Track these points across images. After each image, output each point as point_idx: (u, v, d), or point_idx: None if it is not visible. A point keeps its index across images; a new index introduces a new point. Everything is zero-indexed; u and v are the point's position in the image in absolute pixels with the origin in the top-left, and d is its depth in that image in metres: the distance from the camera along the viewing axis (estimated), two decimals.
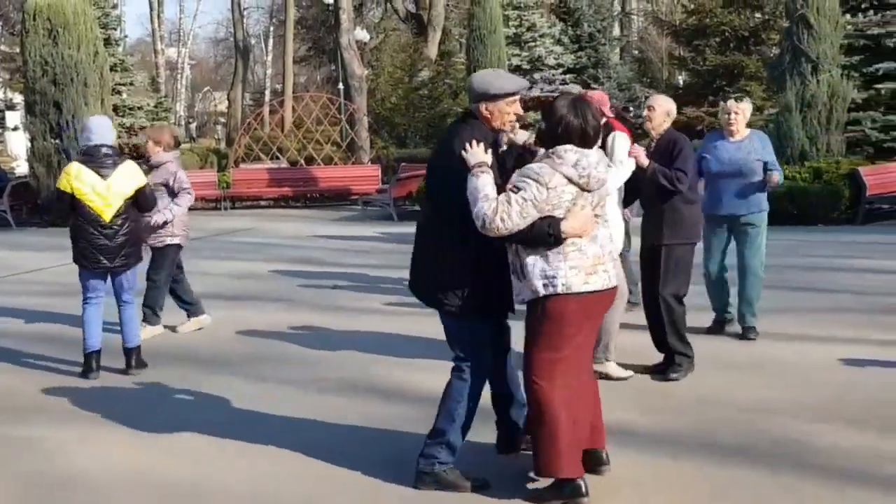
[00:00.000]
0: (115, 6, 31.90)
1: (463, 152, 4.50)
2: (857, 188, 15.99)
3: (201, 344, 8.20)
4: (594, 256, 4.42)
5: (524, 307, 4.58)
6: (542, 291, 4.38)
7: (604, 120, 7.22)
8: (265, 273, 12.17)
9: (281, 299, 10.22)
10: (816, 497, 4.55)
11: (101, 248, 7.12)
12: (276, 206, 23.59)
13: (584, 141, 4.43)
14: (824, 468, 4.89)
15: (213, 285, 11.10)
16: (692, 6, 34.28)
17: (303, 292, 10.62)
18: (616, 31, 42.25)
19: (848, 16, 19.23)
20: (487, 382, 4.90)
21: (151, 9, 51.26)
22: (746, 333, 7.74)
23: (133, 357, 7.32)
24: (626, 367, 6.71)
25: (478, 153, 4.46)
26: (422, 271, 4.79)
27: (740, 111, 7.75)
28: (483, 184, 4.36)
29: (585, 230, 4.39)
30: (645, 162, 6.63)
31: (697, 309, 7.63)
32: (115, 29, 29.08)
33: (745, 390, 6.31)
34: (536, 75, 27.30)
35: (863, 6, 19.82)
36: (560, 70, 28.08)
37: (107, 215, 7.10)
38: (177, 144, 8.69)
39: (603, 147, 6.20)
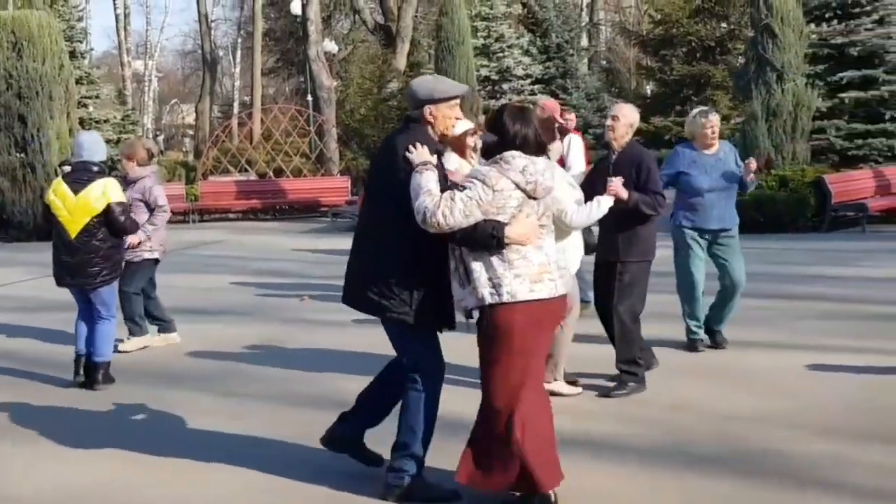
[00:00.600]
0: (80, 19, 31.72)
1: (407, 153, 4.52)
2: (823, 196, 16.13)
3: (167, 358, 8.12)
4: (539, 265, 4.40)
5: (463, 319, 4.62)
6: (487, 299, 4.37)
7: (556, 125, 7.59)
8: (233, 286, 12.09)
9: (249, 312, 10.16)
10: None
11: (62, 264, 7.10)
12: (245, 219, 23.49)
13: (538, 150, 4.48)
14: (796, 476, 4.89)
15: (181, 298, 11.00)
16: (659, 17, 34.55)
17: (271, 305, 10.56)
18: (584, 42, 42.42)
19: (812, 25, 19.42)
20: None
21: (118, 21, 50.93)
22: (719, 341, 7.75)
23: (99, 372, 7.21)
24: (591, 376, 6.71)
25: (422, 153, 4.50)
26: (361, 280, 4.74)
27: (718, 124, 7.68)
28: (426, 179, 4.40)
29: (529, 238, 4.39)
30: (625, 195, 6.33)
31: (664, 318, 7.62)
32: (81, 41, 28.85)
33: (717, 399, 6.32)
34: (505, 86, 27.38)
35: (826, 16, 20.01)
36: (528, 80, 28.16)
37: (72, 231, 7.04)
38: (150, 157, 8.60)
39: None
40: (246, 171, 26.35)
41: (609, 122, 6.68)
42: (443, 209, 4.30)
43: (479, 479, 4.50)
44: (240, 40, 54.34)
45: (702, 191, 7.51)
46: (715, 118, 7.64)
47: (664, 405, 6.23)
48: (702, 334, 7.73)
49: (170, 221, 8.89)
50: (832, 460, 5.08)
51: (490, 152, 4.53)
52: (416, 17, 33.62)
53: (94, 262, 7.08)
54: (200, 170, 26.20)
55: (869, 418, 5.78)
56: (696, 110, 7.85)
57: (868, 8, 19.69)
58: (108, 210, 7.06)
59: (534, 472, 4.38)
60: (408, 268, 4.56)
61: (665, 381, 6.75)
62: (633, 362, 6.57)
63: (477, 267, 4.39)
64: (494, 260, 4.37)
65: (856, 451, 5.19)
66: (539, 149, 4.49)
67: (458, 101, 4.78)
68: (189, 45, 64.51)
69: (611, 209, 6.22)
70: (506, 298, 4.35)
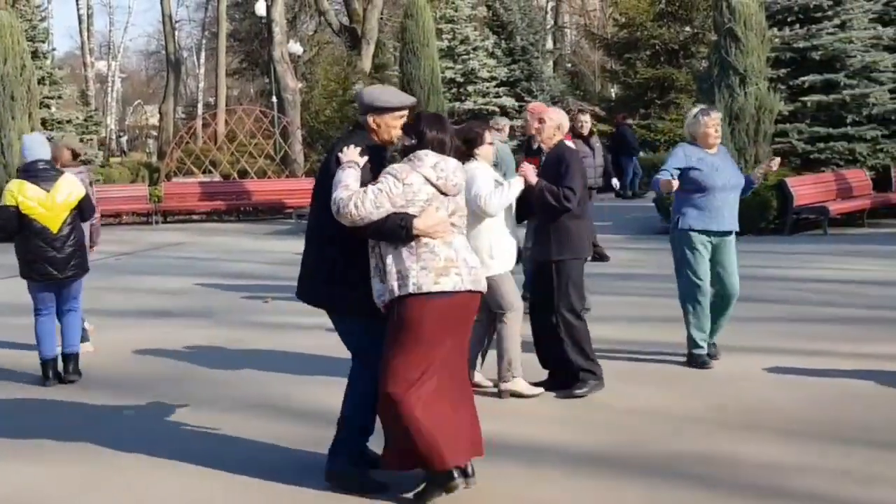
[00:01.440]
0: (42, 18, 31.34)
1: (339, 154, 4.77)
2: (785, 198, 16.28)
3: (128, 361, 8.05)
4: (446, 259, 4.59)
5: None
6: (396, 291, 4.56)
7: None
8: (196, 288, 12.01)
9: (212, 314, 10.09)
10: None
11: (51, 260, 7.26)
12: (209, 220, 23.34)
13: (452, 154, 4.79)
14: (752, 481, 4.92)
15: (143, 301, 10.94)
16: (623, 20, 34.76)
17: (235, 308, 10.50)
18: (549, 45, 42.60)
19: (775, 29, 19.58)
20: None
21: (81, 21, 50.48)
22: (712, 354, 7.36)
23: (71, 363, 7.42)
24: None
25: (350, 153, 4.75)
26: (310, 276, 5.01)
27: (719, 123, 7.30)
28: (346, 176, 4.65)
29: (437, 231, 4.60)
30: (533, 180, 6.48)
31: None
32: (43, 41, 28.50)
33: (674, 402, 6.34)
34: (470, 88, 27.42)
35: (789, 20, 20.18)
36: (493, 83, 28.22)
37: (54, 227, 7.28)
38: (75, 157, 8.63)
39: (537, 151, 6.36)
40: (210, 172, 26.19)
41: (536, 124, 6.81)
42: (355, 200, 4.53)
43: (394, 461, 4.73)
44: (204, 41, 54.09)
45: (715, 189, 7.07)
46: (717, 116, 7.26)
47: (620, 409, 6.23)
48: (707, 348, 7.29)
49: (132, 223, 8.85)
50: (790, 465, 5.10)
51: (407, 153, 4.79)
52: (381, 18, 33.61)
53: (78, 253, 7.42)
54: (164, 171, 26.00)
55: (826, 422, 5.81)
56: (695, 109, 7.43)
57: (830, 13, 19.89)
58: (82, 199, 7.44)
59: (432, 449, 4.51)
60: (349, 261, 4.78)
61: (621, 384, 6.77)
62: (589, 359, 6.60)
63: (389, 260, 4.61)
64: (404, 252, 4.58)
65: (813, 456, 5.22)
66: (454, 153, 4.79)
67: (402, 112, 4.94)
68: (153, 45, 64.22)
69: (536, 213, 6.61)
70: (412, 290, 4.53)
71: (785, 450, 5.30)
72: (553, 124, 6.71)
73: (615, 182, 14.68)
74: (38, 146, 7.48)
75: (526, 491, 4.84)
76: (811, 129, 18.94)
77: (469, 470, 4.68)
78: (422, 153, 4.68)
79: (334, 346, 8.07)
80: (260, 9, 30.12)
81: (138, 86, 70.42)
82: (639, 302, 9.98)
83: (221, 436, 5.88)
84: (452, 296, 4.58)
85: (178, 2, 54.14)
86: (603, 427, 5.85)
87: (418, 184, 4.60)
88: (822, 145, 18.60)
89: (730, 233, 7.18)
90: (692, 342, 7.22)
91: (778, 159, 7.34)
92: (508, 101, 28.27)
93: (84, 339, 8.08)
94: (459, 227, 4.76)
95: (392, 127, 4.91)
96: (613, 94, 38.91)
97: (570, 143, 9.05)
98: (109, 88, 56.50)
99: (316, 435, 5.72)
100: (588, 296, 8.83)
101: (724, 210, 7.10)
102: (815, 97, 19.01)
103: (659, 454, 5.30)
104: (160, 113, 46.85)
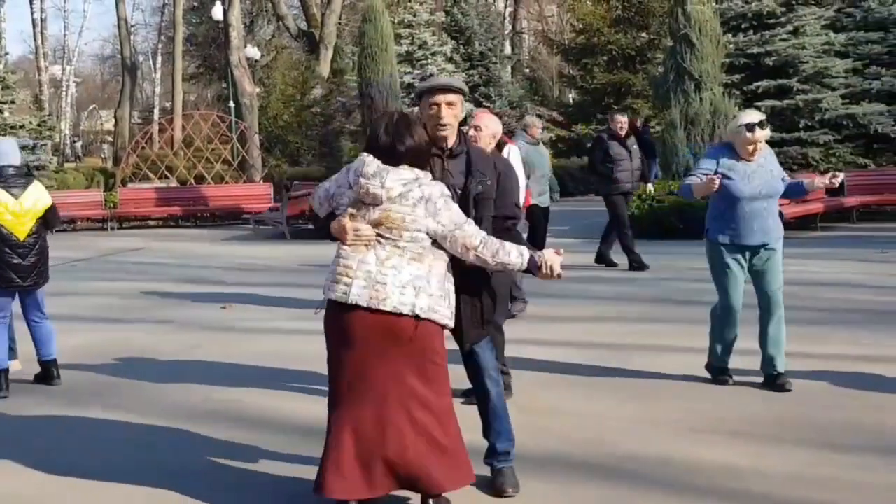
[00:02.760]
0: None
1: None
2: None
3: (82, 367, 7.95)
4: (344, 266, 4.37)
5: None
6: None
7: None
8: (153, 294, 11.90)
9: (169, 321, 10.01)
10: None
11: (15, 267, 7.24)
12: (166, 226, 23.18)
13: (388, 158, 4.39)
14: (706, 482, 4.94)
15: (98, 306, 10.83)
16: (580, 26, 34.99)
17: (191, 313, 10.42)
18: (507, 50, 42.77)
19: (729, 35, 19.81)
20: None
21: (35, 25, 49.96)
22: (779, 382, 6.57)
23: (55, 368, 7.53)
24: None
25: None
26: None
27: (761, 138, 6.54)
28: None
29: (343, 236, 4.38)
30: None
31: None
32: None
33: (627, 405, 6.34)
34: None
35: (743, 26, 20.43)
36: None
37: (21, 234, 7.27)
38: None
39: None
40: (166, 177, 26.02)
41: (472, 132, 6.48)
42: (311, 200, 4.66)
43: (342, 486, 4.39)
44: (160, 45, 53.70)
45: (742, 199, 6.49)
46: (762, 135, 6.52)
47: (573, 413, 6.21)
48: (728, 363, 6.86)
49: (87, 229, 8.77)
50: (745, 467, 5.12)
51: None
52: (339, 23, 33.57)
53: (43, 260, 7.45)
54: (120, 176, 25.79)
55: (780, 424, 5.84)
56: (744, 118, 6.60)
57: (783, 19, 20.17)
58: (49, 208, 7.46)
59: (321, 472, 4.38)
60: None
61: (543, 388, 6.77)
62: (502, 372, 6.54)
63: None
64: (334, 256, 4.49)
65: (769, 458, 5.24)
66: (390, 158, 4.38)
67: (435, 97, 4.66)
68: (108, 49, 63.66)
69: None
70: (323, 295, 4.49)
71: (742, 451, 5.31)
72: (489, 132, 6.47)
73: (650, 187, 14.70)
74: (9, 150, 7.42)
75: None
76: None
77: None
78: (364, 156, 4.43)
79: (292, 353, 8.08)
80: (217, 13, 29.97)
81: (93, 90, 69.74)
82: (598, 306, 10.03)
83: (173, 444, 5.83)
84: (341, 308, 4.35)
85: (134, 6, 53.75)
86: (555, 432, 5.85)
87: (343, 186, 4.46)
88: (775, 150, 18.79)
89: (764, 246, 6.57)
90: (710, 352, 6.88)
91: (841, 175, 6.63)
92: (467, 107, 28.29)
93: (13, 356, 7.82)
94: (391, 239, 4.33)
95: (426, 115, 4.69)
96: (571, 100, 39.12)
97: (514, 148, 9.07)
98: (64, 93, 55.97)
99: (268, 440, 5.70)
100: (523, 296, 9.27)
101: (754, 222, 6.50)
102: (769, 102, 19.25)
103: (613, 457, 5.31)
104: (116, 118, 46.43)
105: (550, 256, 4.52)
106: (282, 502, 4.82)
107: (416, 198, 4.33)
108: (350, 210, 4.40)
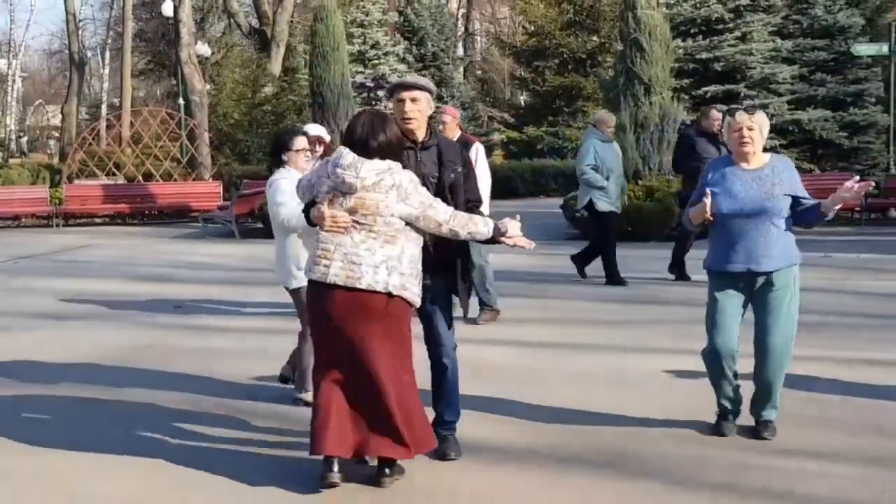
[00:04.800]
0: None
1: None
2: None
3: (25, 367, 7.82)
4: (322, 249, 4.78)
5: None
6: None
7: (458, 134, 8.43)
8: (99, 292, 11.74)
9: (118, 319, 9.88)
10: None
11: None
12: (113, 223, 22.90)
13: (362, 151, 4.76)
14: (656, 475, 5.01)
15: (42, 305, 10.68)
16: (532, 28, 35.16)
17: (142, 311, 10.30)
18: (460, 51, 42.86)
19: (678, 40, 20.04)
20: None
21: None
22: (760, 431, 5.55)
23: None
24: None
25: None
26: None
27: (755, 126, 5.47)
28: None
29: (321, 222, 4.78)
30: None
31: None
32: None
33: (578, 406, 6.33)
34: (380, 92, 27.41)
35: (692, 31, 20.68)
36: None
37: None
38: None
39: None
40: (114, 174, 25.73)
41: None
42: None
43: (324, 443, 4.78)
44: (109, 41, 52.99)
45: (723, 217, 5.44)
46: (745, 118, 5.47)
47: (541, 408, 6.24)
48: (734, 412, 5.69)
49: (32, 226, 8.62)
50: (693, 459, 5.20)
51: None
52: (291, 21, 33.40)
53: None
54: (66, 173, 25.47)
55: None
56: (732, 109, 5.73)
57: (731, 25, 20.46)
58: None
59: (311, 434, 4.76)
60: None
61: (521, 385, 6.82)
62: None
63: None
64: (314, 240, 4.94)
65: (715, 451, 5.33)
66: (364, 151, 4.75)
67: (402, 92, 5.13)
68: (56, 44, 62.73)
69: None
70: (305, 273, 4.95)
71: (687, 447, 5.37)
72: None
73: None
74: None
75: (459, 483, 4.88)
76: None
77: (338, 468, 4.74)
78: (341, 149, 4.82)
79: (245, 350, 8.03)
80: (167, 9, 29.68)
81: (40, 85, 68.69)
82: (552, 305, 10.09)
83: (138, 437, 5.78)
84: (321, 287, 4.75)
85: (83, 0, 52.96)
86: (521, 426, 5.88)
87: (322, 176, 4.84)
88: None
89: (760, 273, 5.41)
90: (718, 404, 5.73)
91: (870, 185, 5.52)
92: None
93: None
94: (366, 224, 4.72)
95: (395, 110, 5.17)
96: (522, 102, 39.31)
97: (480, 147, 9.13)
98: (10, 88, 55.03)
99: (225, 435, 5.68)
100: (493, 303, 9.20)
101: (738, 243, 5.41)
102: (717, 107, 19.47)
103: (558, 451, 5.35)
104: (62, 113, 45.76)
105: (511, 223, 4.98)
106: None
107: (388, 185, 4.72)
108: (329, 197, 4.78)
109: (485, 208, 7.91)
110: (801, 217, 5.50)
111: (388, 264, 4.73)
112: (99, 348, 8.39)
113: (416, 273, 4.84)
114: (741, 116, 5.46)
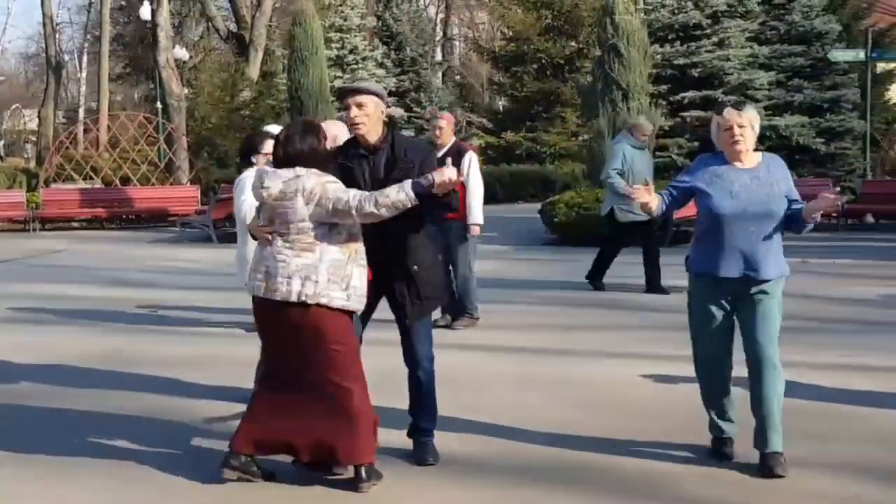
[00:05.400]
0: None
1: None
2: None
3: (7, 372, 7.77)
4: (255, 262, 4.93)
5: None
6: None
7: (453, 140, 8.65)
8: (76, 296, 11.67)
9: (95, 324, 9.82)
10: None
11: None
12: (90, 228, 22.79)
13: (283, 161, 4.82)
14: (633, 488, 5.01)
15: (19, 310, 10.61)
16: (511, 34, 35.21)
17: (119, 317, 10.24)
18: (438, 56, 42.91)
19: (656, 46, 20.14)
20: None
21: None
22: (769, 464, 5.01)
23: None
24: None
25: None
26: None
27: (746, 122, 5.05)
28: None
29: (255, 233, 4.99)
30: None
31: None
32: None
33: (555, 411, 6.34)
34: None
35: (669, 37, 20.79)
36: None
37: None
38: None
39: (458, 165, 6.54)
40: (91, 178, 25.59)
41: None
42: None
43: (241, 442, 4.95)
44: (87, 45, 52.71)
45: (721, 218, 5.02)
46: (734, 115, 5.04)
47: (504, 417, 6.20)
48: (731, 432, 5.36)
49: (9, 230, 8.56)
50: (671, 472, 5.18)
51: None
52: (269, 26, 33.30)
53: None
54: (43, 177, 25.30)
55: (699, 429, 5.88)
56: (719, 106, 5.26)
57: (708, 31, 20.57)
58: None
59: (237, 431, 4.92)
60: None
61: (488, 391, 6.82)
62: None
63: None
64: None
65: (693, 465, 5.30)
66: (282, 162, 4.82)
67: (347, 98, 5.14)
68: (33, 48, 62.31)
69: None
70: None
71: (668, 459, 5.33)
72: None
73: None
74: None
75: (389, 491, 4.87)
76: (690, 144, 19.51)
77: (248, 467, 4.89)
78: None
79: (226, 356, 7.99)
80: (145, 13, 29.57)
81: (17, 89, 68.15)
82: (532, 310, 10.11)
83: (115, 445, 5.75)
84: (254, 299, 4.90)
85: (60, 4, 52.71)
86: (485, 434, 5.88)
87: (256, 189, 4.91)
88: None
89: (754, 280, 5.02)
90: (711, 424, 5.42)
91: (845, 198, 5.17)
92: (397, 112, 28.38)
93: None
94: (283, 234, 4.78)
95: (347, 117, 5.21)
96: (501, 107, 39.37)
97: (473, 156, 9.12)
98: None
99: (198, 444, 5.66)
100: (472, 311, 9.26)
101: (736, 247, 5.01)
102: (694, 113, 19.61)
103: (540, 463, 5.34)
104: (39, 117, 45.43)
105: (436, 172, 4.75)
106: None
107: (292, 192, 4.72)
108: (257, 208, 5.00)
109: (477, 216, 8.49)
110: (790, 222, 5.11)
111: (303, 274, 4.69)
112: (76, 352, 8.33)
113: (344, 277, 4.72)
114: (730, 113, 5.03)
